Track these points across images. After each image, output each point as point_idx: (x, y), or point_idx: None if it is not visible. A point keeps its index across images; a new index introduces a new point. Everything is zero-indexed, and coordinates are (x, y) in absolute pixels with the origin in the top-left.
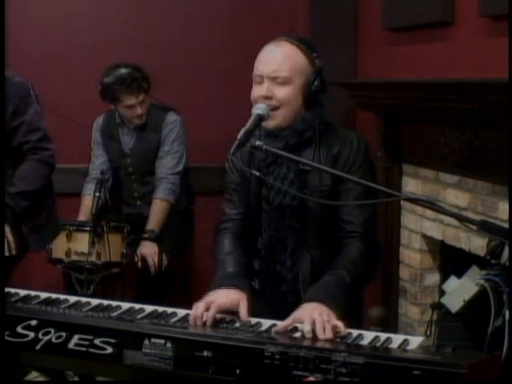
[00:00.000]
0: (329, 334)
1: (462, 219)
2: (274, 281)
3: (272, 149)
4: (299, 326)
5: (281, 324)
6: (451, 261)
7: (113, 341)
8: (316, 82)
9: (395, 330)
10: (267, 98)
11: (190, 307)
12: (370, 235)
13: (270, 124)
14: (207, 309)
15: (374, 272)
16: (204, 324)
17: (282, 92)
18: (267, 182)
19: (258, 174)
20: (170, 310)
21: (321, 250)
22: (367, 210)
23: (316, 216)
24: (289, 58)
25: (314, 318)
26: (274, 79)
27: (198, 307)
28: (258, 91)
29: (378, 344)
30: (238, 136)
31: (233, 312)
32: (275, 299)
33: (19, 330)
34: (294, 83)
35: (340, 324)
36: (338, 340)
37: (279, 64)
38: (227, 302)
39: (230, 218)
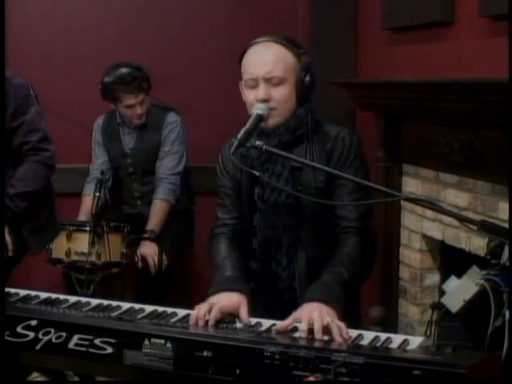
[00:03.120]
0: (346, 335)
1: (461, 219)
2: (269, 280)
3: (272, 149)
4: (298, 325)
5: (280, 323)
6: (451, 261)
7: (113, 341)
8: (307, 78)
9: (395, 330)
10: (265, 100)
11: (190, 307)
12: (365, 229)
13: (269, 124)
14: (209, 310)
15: (371, 267)
16: (206, 324)
17: (278, 92)
18: (261, 180)
19: (257, 174)
20: (170, 309)
21: (316, 247)
22: (362, 203)
23: (310, 213)
24: (280, 57)
25: (312, 318)
26: (269, 80)
27: (201, 308)
28: (253, 95)
29: (378, 344)
30: (238, 136)
31: (233, 315)
32: (271, 298)
33: (19, 329)
34: (288, 82)
35: (342, 325)
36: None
37: (272, 65)
38: (229, 305)
39: (223, 223)
